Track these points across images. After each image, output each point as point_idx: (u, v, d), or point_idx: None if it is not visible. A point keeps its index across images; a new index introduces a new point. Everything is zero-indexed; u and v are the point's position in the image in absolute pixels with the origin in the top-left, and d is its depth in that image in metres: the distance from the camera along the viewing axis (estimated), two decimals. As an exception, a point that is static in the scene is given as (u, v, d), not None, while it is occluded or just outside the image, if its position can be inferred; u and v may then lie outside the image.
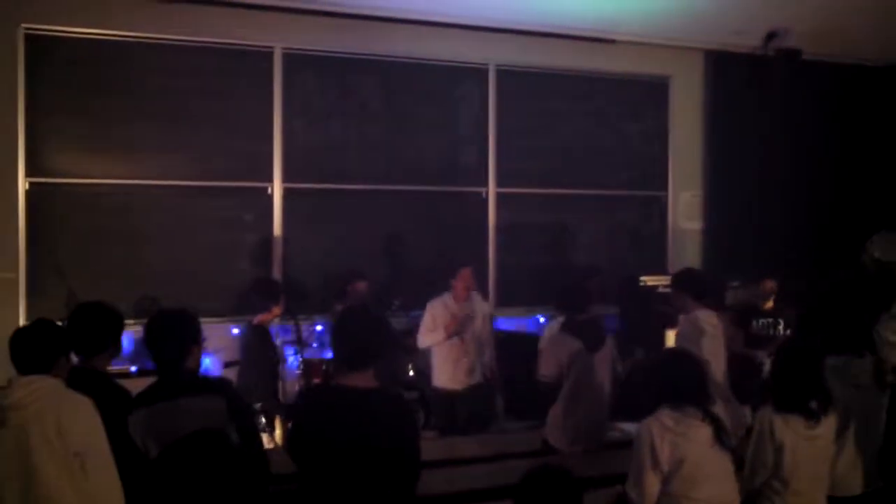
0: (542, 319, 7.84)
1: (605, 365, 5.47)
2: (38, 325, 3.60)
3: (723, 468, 3.71)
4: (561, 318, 5.79)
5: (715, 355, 5.32)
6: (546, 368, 5.46)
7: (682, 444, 3.62)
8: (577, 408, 5.32)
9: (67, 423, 3.26)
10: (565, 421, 5.34)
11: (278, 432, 5.73)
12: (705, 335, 5.36)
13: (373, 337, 3.36)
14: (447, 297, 6.59)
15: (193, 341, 3.72)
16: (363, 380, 3.27)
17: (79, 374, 3.72)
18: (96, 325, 3.95)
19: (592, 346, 5.39)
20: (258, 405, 5.57)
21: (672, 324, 6.82)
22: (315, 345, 6.93)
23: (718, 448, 3.67)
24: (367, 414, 3.22)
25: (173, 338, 3.66)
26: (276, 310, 6.10)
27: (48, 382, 3.35)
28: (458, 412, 6.55)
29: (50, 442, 3.23)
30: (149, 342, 3.68)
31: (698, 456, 3.63)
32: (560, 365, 5.38)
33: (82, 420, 3.31)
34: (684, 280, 5.82)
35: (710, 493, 3.65)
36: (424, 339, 6.59)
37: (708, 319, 5.45)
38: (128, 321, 6.47)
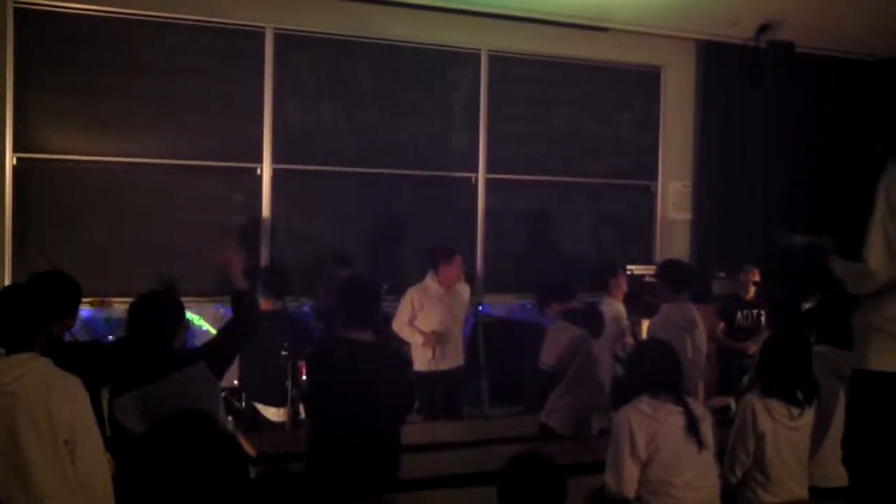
0: (528, 306, 7.87)
1: (605, 351, 5.51)
2: (18, 294, 3.43)
3: (701, 455, 3.73)
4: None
5: (686, 349, 5.38)
6: (546, 356, 5.47)
7: (659, 430, 3.65)
8: (578, 393, 5.33)
9: (57, 410, 3.17)
10: (566, 406, 5.35)
11: None
12: (676, 328, 5.43)
13: (372, 301, 4.20)
14: (431, 282, 6.50)
15: (178, 322, 3.71)
16: (360, 335, 3.97)
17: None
18: (61, 293, 3.85)
19: (594, 332, 5.41)
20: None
21: (653, 314, 6.86)
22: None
23: (693, 436, 3.69)
24: (368, 360, 3.94)
25: (159, 319, 3.65)
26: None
27: (37, 364, 3.23)
28: (437, 395, 6.49)
29: (39, 429, 3.15)
30: (133, 324, 3.66)
31: (675, 442, 3.66)
32: (561, 351, 5.39)
33: (72, 405, 3.22)
34: (665, 270, 5.87)
35: (689, 478, 3.67)
36: (403, 330, 6.46)
37: (682, 313, 5.50)
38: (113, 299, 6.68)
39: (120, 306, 6.70)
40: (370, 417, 3.89)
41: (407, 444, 4.35)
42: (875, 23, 8.00)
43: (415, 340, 6.44)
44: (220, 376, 3.81)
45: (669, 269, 5.86)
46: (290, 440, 5.34)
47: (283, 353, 5.82)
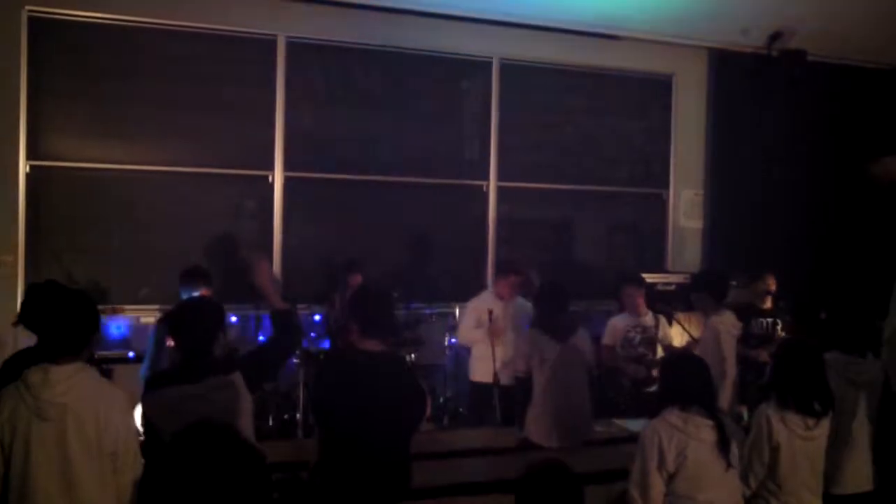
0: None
1: (577, 359, 5.42)
2: (74, 301, 3.37)
3: (727, 473, 3.70)
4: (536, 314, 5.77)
5: (731, 358, 5.41)
6: (519, 364, 5.50)
7: (688, 443, 3.62)
8: (551, 403, 5.29)
9: (105, 423, 3.21)
10: (541, 416, 5.31)
11: None
12: (728, 338, 5.45)
13: (384, 310, 4.05)
14: (489, 296, 6.69)
15: (220, 328, 3.72)
16: (373, 345, 3.88)
17: None
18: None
19: (560, 336, 5.35)
20: None
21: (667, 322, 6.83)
22: (313, 334, 6.92)
23: (723, 452, 3.66)
24: (379, 370, 3.89)
25: (202, 322, 3.66)
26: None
27: (87, 376, 3.26)
28: (493, 405, 6.47)
29: (88, 441, 3.18)
30: (176, 324, 3.70)
31: (703, 456, 3.62)
32: (528, 361, 5.38)
33: (118, 417, 3.26)
34: (710, 283, 5.81)
35: (714, 494, 3.64)
36: (467, 335, 6.72)
37: (734, 322, 5.53)
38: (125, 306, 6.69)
39: (131, 314, 6.72)
40: (382, 427, 3.86)
41: (423, 452, 4.33)
42: (889, 30, 7.97)
43: (478, 336, 6.57)
44: (253, 390, 3.81)
45: (714, 281, 5.83)
46: (300, 448, 5.33)
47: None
